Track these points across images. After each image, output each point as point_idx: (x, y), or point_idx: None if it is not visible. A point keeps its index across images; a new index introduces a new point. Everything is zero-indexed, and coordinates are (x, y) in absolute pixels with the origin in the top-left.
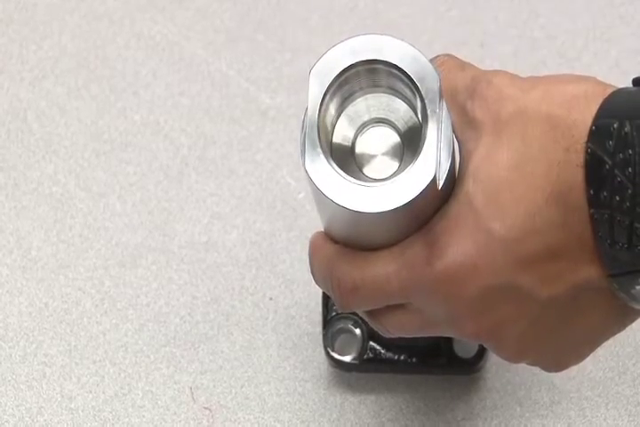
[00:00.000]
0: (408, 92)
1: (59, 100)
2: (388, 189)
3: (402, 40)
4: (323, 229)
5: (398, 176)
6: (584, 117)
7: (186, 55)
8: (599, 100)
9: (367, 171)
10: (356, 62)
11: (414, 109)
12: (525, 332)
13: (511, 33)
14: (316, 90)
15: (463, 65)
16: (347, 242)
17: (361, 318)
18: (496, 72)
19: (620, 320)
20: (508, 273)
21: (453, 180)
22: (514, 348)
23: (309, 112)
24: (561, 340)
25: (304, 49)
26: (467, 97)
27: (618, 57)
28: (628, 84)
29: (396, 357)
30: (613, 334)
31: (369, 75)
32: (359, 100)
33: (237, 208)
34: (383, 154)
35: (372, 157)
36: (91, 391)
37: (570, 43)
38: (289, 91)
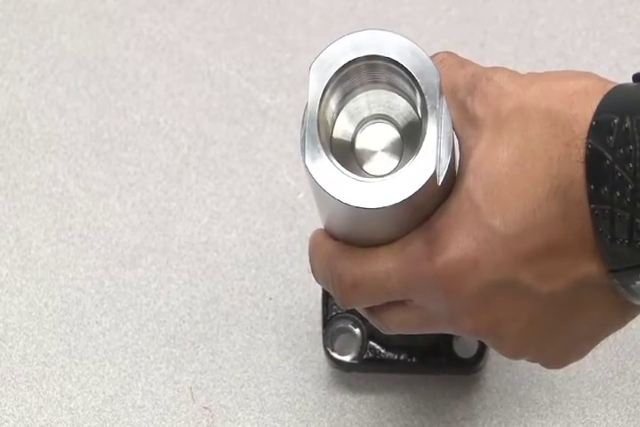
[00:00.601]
0: (408, 88)
1: (58, 100)
2: (388, 185)
3: (401, 35)
4: (322, 227)
5: (398, 172)
6: (584, 113)
7: (186, 55)
8: (599, 96)
9: (367, 167)
10: (356, 58)
11: (414, 106)
12: (525, 328)
13: (511, 33)
14: (316, 85)
15: (463, 62)
16: (347, 239)
17: (361, 318)
18: (496, 69)
19: (620, 316)
20: (508, 269)
21: (453, 176)
22: (513, 344)
23: (309, 107)
24: (561, 336)
25: (304, 49)
26: (467, 94)
27: (618, 57)
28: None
29: (395, 357)
30: (614, 330)
31: (369, 70)
32: (360, 95)
33: (237, 208)
34: (383, 150)
35: (372, 153)
36: (91, 391)
37: (570, 43)
38: (289, 91)
